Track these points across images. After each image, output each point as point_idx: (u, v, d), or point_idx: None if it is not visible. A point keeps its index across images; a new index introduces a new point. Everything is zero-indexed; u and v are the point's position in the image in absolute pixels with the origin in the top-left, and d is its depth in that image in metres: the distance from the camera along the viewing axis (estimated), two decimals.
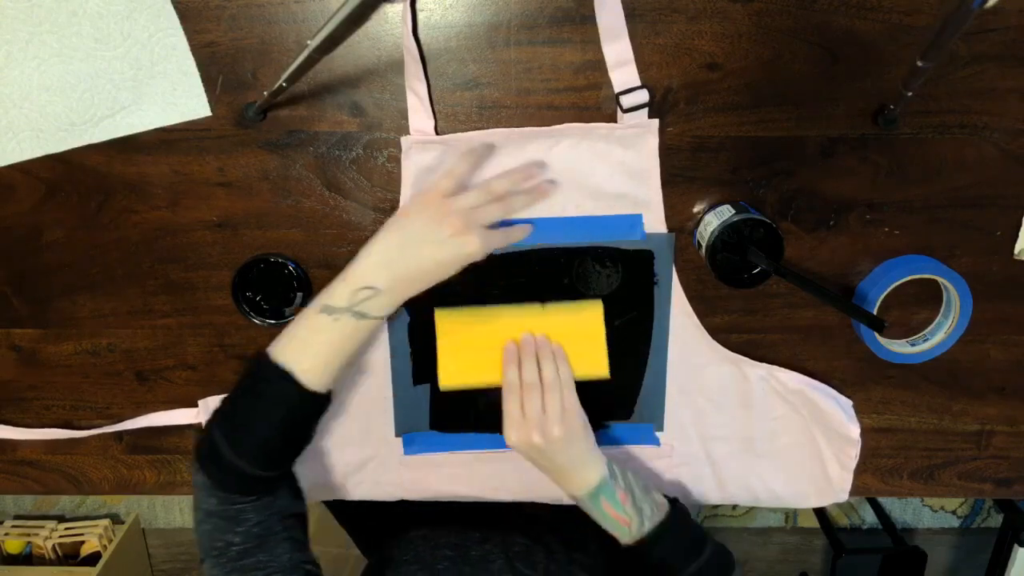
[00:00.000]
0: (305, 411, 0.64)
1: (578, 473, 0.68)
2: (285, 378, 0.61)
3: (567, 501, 0.83)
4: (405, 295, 0.64)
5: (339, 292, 0.63)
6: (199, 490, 0.64)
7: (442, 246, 0.62)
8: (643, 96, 0.66)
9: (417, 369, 0.77)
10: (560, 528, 0.82)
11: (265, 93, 0.64)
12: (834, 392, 0.78)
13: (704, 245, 0.69)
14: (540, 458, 0.69)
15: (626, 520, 0.67)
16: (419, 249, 0.63)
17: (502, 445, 0.80)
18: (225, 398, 0.65)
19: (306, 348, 0.62)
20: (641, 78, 0.67)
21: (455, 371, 0.73)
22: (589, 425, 0.71)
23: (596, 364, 0.73)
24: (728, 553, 0.70)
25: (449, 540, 0.77)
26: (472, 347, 0.72)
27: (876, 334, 0.74)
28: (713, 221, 0.69)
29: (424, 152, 0.69)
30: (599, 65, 0.67)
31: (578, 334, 0.72)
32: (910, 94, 0.62)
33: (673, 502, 0.71)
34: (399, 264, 0.63)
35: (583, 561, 0.77)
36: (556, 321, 0.72)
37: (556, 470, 0.69)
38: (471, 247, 0.63)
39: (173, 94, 0.68)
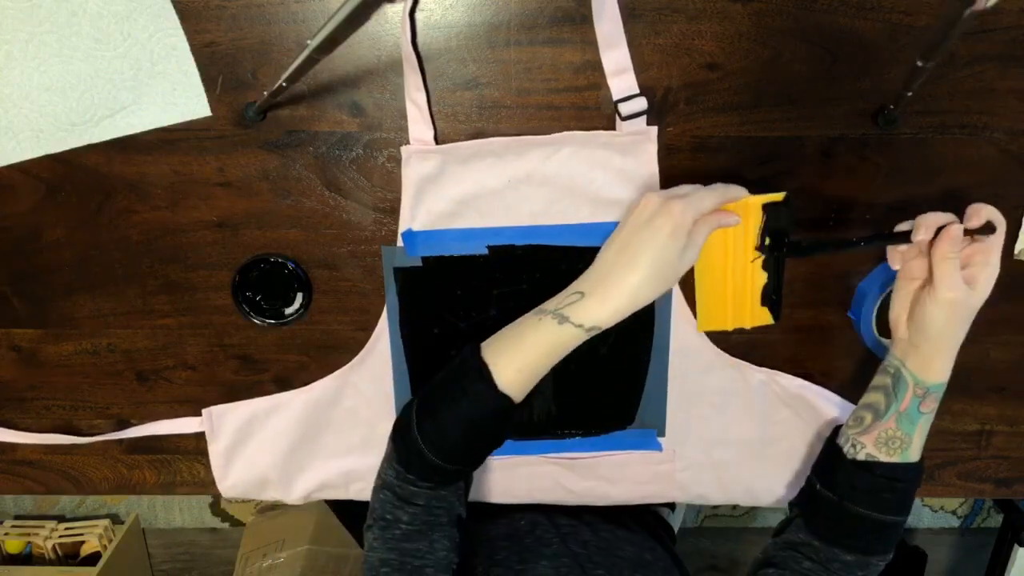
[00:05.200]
0: (487, 409, 0.60)
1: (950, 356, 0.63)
2: (480, 372, 0.60)
3: (571, 502, 0.83)
4: (618, 308, 0.58)
5: (559, 295, 0.61)
6: (385, 459, 0.65)
7: (683, 251, 0.59)
8: (641, 104, 0.66)
9: (414, 372, 0.77)
10: (597, 508, 0.83)
11: (265, 93, 0.64)
12: (836, 397, 0.78)
13: None
14: (962, 318, 0.62)
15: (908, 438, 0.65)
16: (641, 255, 0.58)
17: (507, 451, 0.80)
18: (435, 376, 0.64)
19: (507, 346, 0.61)
20: (641, 78, 0.67)
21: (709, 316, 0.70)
22: None
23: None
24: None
25: (499, 531, 0.77)
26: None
27: (876, 334, 0.74)
28: None
29: (424, 161, 0.69)
30: (599, 65, 0.67)
31: None
32: (910, 94, 0.62)
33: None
34: (614, 270, 0.59)
35: (626, 536, 0.77)
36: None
37: (953, 335, 0.63)
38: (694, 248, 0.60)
39: (173, 94, 0.68)
